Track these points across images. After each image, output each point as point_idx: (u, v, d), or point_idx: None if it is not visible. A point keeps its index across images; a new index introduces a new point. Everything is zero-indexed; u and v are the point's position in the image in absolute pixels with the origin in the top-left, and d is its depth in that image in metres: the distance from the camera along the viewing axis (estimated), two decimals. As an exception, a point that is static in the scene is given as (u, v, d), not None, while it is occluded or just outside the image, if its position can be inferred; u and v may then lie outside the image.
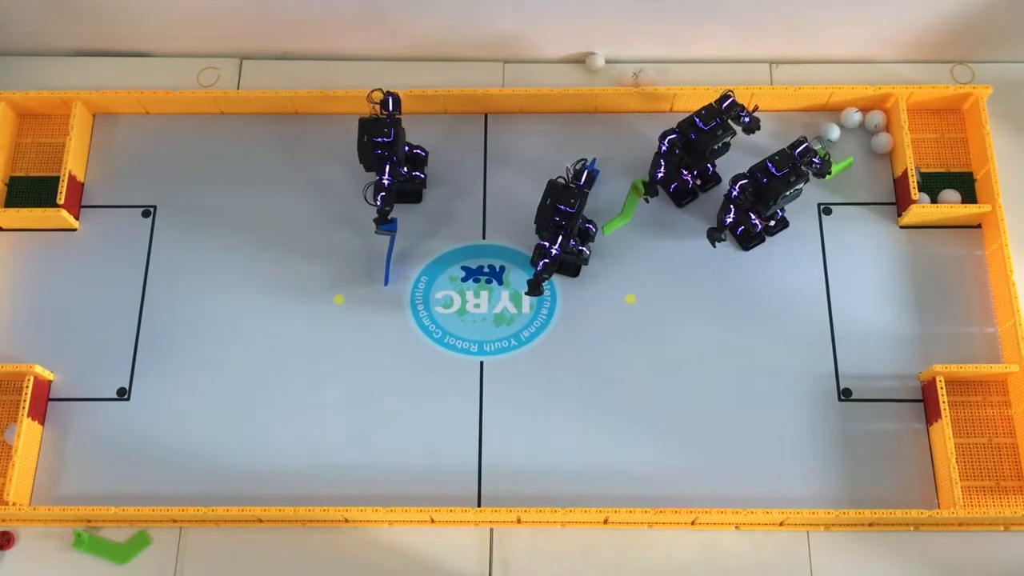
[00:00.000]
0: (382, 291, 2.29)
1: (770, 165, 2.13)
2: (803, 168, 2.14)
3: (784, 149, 2.15)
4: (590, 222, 2.23)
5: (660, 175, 2.25)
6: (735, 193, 2.17)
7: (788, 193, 2.15)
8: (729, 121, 2.19)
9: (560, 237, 2.14)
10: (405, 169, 2.27)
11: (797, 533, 2.10)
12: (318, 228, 2.35)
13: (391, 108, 2.18)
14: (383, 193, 2.20)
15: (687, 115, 2.20)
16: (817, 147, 2.20)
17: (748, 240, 2.31)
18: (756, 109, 2.22)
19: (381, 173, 2.20)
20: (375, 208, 2.21)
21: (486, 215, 2.36)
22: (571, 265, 2.28)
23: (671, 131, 2.21)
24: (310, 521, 2.11)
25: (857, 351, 2.21)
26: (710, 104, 2.19)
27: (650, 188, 2.27)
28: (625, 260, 2.30)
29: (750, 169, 2.17)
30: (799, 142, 2.14)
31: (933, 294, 2.26)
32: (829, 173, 2.19)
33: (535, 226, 2.17)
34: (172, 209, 2.38)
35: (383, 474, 2.13)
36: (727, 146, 2.23)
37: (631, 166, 2.36)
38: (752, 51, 2.49)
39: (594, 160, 2.34)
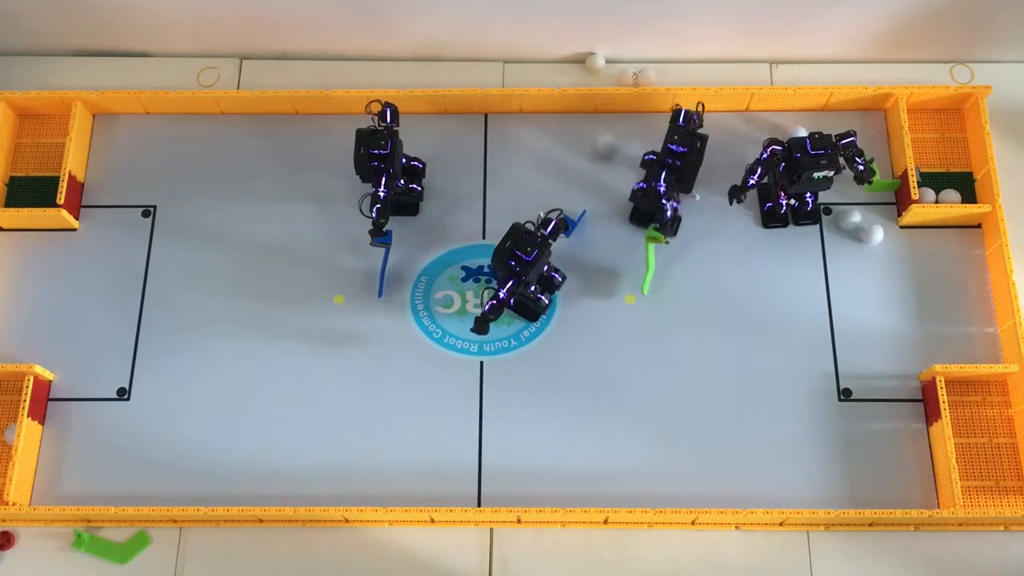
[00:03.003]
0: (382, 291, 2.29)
1: (808, 141, 2.14)
2: (839, 158, 2.14)
3: (829, 135, 2.15)
4: (557, 271, 2.19)
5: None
6: (765, 155, 2.18)
7: (815, 177, 2.14)
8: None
9: (511, 282, 2.06)
10: (402, 181, 2.26)
11: (797, 533, 2.10)
12: (318, 228, 2.35)
13: (389, 120, 2.17)
14: (378, 205, 2.18)
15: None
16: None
17: (771, 218, 2.30)
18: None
19: (377, 185, 2.18)
20: (370, 220, 2.20)
21: (486, 215, 2.36)
22: (529, 310, 2.23)
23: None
24: (310, 521, 2.11)
25: (857, 351, 2.21)
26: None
27: (667, 229, 2.19)
28: (625, 260, 2.30)
29: (789, 139, 2.18)
30: (848, 134, 2.15)
31: (933, 294, 2.26)
32: (871, 182, 2.20)
33: (491, 265, 2.10)
34: (172, 209, 2.38)
35: (383, 474, 2.13)
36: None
37: (631, 166, 2.36)
38: (752, 51, 2.49)
39: (583, 213, 2.31)
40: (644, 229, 2.25)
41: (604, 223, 2.34)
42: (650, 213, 2.25)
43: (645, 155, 2.24)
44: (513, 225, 2.08)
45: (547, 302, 2.21)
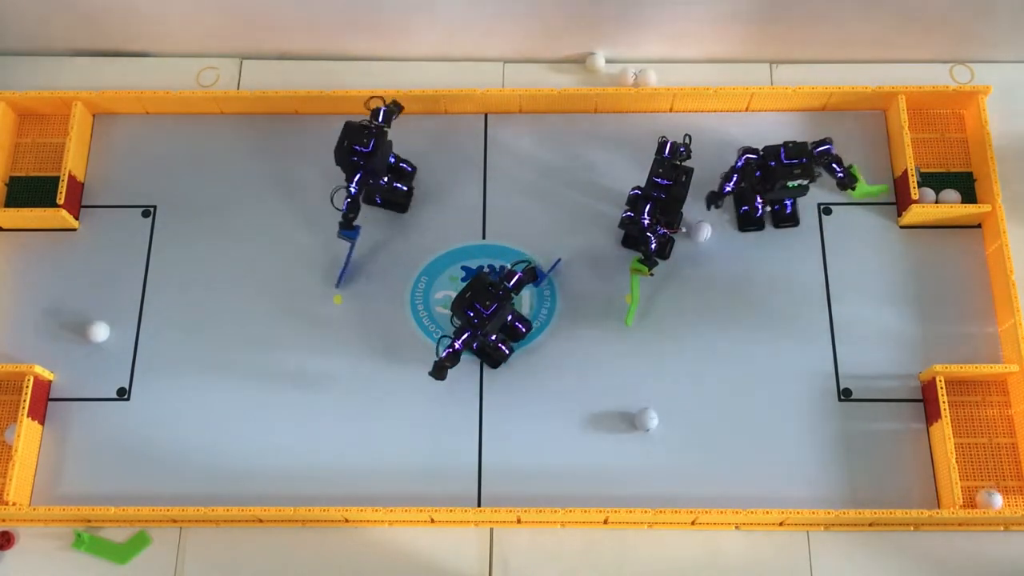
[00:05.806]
0: (382, 291, 2.29)
1: (782, 151, 2.14)
2: (815, 167, 2.13)
3: (805, 143, 2.14)
4: (522, 320, 2.18)
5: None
6: (740, 164, 2.18)
7: (790, 185, 2.14)
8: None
9: (467, 334, 2.05)
10: (385, 180, 2.25)
11: (797, 533, 2.10)
12: (317, 228, 2.35)
13: (380, 120, 2.17)
14: (348, 200, 2.18)
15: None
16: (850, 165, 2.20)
17: (747, 222, 2.30)
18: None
19: (350, 180, 2.18)
20: (340, 213, 2.20)
21: (486, 215, 2.36)
22: (490, 357, 2.21)
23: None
24: (310, 521, 2.11)
25: (857, 351, 2.22)
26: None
27: (650, 261, 2.17)
28: (624, 262, 2.30)
29: (765, 147, 2.17)
30: (824, 141, 2.14)
31: (933, 294, 2.26)
32: (854, 189, 2.19)
33: (450, 312, 2.08)
34: (172, 209, 2.38)
35: (383, 474, 2.14)
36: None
37: (631, 167, 2.36)
38: (752, 51, 2.49)
39: (558, 261, 2.29)
40: (636, 253, 2.24)
41: (605, 223, 2.33)
42: (639, 239, 2.23)
43: (632, 190, 2.22)
44: (476, 275, 2.06)
45: (507, 352, 2.19)
